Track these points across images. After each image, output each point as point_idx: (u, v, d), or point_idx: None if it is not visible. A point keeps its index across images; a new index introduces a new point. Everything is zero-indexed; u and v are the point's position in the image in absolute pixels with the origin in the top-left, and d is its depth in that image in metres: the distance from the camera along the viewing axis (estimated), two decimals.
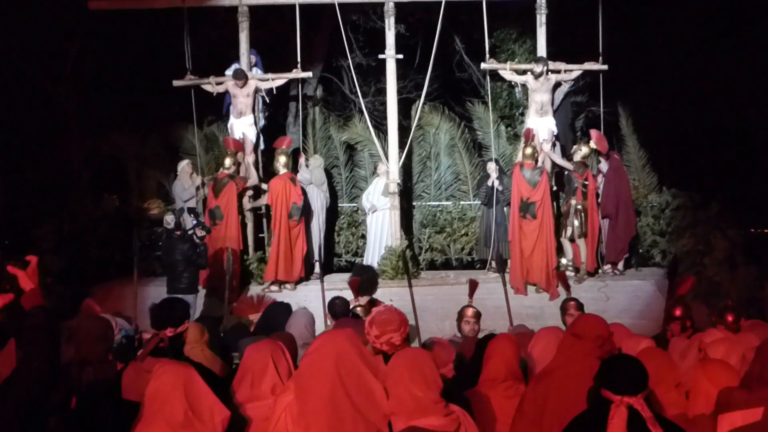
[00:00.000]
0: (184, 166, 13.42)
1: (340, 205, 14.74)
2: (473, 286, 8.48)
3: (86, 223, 13.38)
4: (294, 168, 13.17)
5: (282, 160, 12.71)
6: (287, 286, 12.39)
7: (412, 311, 8.21)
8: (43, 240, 12.70)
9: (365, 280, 10.19)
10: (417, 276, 12.89)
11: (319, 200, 13.26)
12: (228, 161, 12.64)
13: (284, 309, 7.38)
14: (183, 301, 5.21)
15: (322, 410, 3.59)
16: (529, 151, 12.41)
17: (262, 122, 13.55)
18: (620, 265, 12.94)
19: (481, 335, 6.83)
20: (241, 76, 12.80)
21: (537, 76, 12.69)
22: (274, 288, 12.13)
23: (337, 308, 7.58)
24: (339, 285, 11.07)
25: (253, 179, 12.94)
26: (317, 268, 12.88)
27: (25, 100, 15.18)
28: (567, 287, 9.47)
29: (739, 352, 4.64)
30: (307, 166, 13.30)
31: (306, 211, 12.79)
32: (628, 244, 13.00)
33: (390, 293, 10.85)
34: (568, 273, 11.87)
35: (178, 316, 4.74)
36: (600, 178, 12.84)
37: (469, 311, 7.80)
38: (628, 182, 13.26)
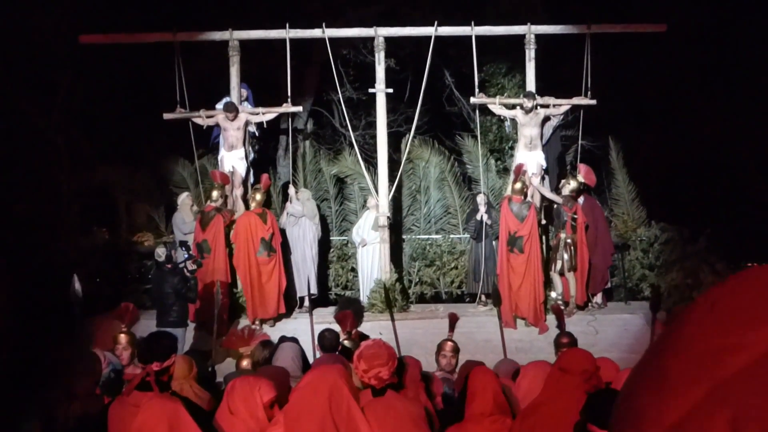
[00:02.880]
0: (184, 198, 13.34)
1: (330, 238, 14.73)
2: (453, 320, 8.44)
3: (75, 256, 13.32)
4: (283, 201, 13.14)
5: (257, 198, 12.73)
6: (267, 323, 12.28)
7: (395, 345, 8.20)
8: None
9: (352, 312, 10.14)
10: (406, 309, 12.87)
11: (311, 233, 13.24)
12: (215, 194, 12.63)
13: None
14: (170, 335, 5.15)
15: None
16: (518, 186, 12.44)
17: (252, 156, 13.57)
18: (598, 298, 12.94)
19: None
20: (231, 110, 12.84)
21: (526, 111, 12.76)
22: (255, 326, 11.83)
23: (326, 341, 7.51)
24: (328, 318, 11.02)
25: (241, 212, 12.91)
26: (307, 302, 12.76)
27: (14, 133, 15.14)
28: (562, 323, 9.17)
29: None
30: (297, 198, 13.31)
31: (285, 246, 12.78)
32: (608, 273, 13.05)
33: (379, 326, 10.82)
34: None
35: (165, 350, 4.70)
36: None
37: (448, 345, 7.75)
38: (602, 213, 13.33)
